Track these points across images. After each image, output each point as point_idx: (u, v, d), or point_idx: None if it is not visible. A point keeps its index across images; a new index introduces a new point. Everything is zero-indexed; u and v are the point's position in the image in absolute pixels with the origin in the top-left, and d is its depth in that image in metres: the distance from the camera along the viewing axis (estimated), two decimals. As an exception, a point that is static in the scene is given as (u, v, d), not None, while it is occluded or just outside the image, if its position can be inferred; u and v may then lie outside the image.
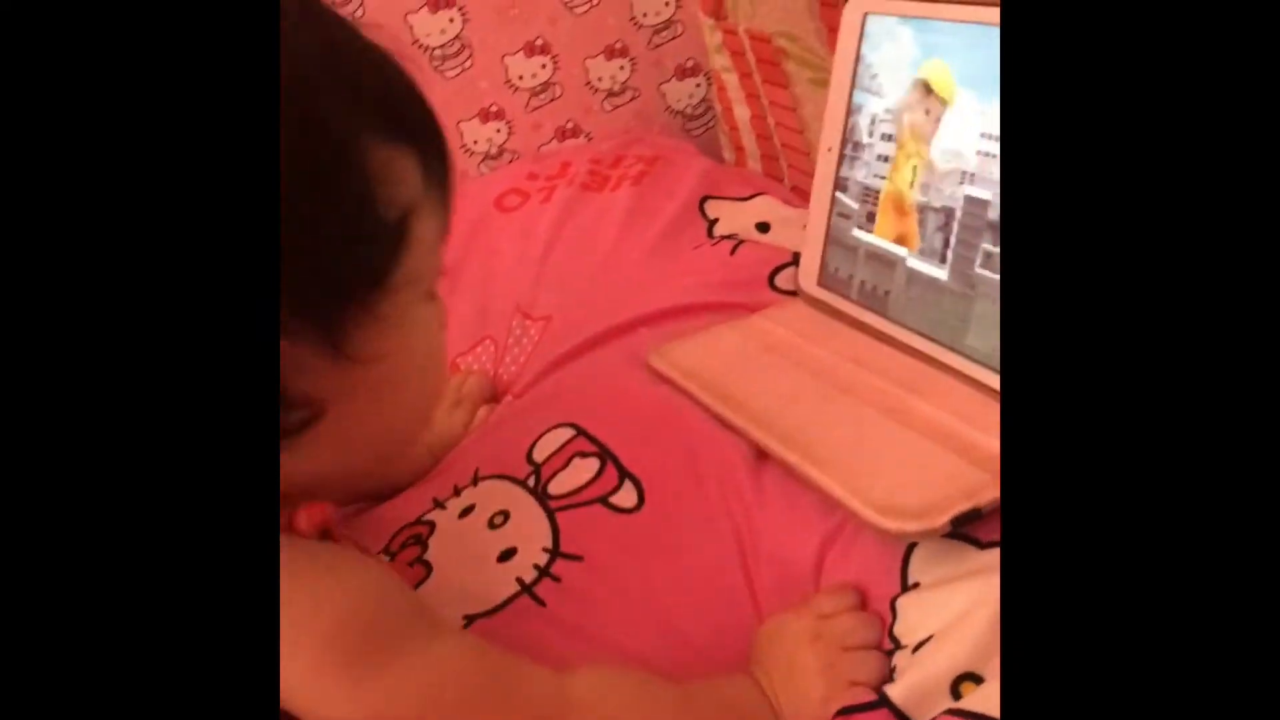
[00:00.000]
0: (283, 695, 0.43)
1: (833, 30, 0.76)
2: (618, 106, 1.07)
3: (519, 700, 0.49)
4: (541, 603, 0.57)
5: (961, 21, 0.62)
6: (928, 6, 0.65)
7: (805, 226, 0.74)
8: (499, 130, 1.04)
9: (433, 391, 0.54)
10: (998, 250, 0.58)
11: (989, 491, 0.51)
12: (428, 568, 0.61)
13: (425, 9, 0.97)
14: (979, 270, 0.60)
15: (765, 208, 0.84)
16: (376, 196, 0.44)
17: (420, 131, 0.47)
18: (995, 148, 0.59)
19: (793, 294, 0.75)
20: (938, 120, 0.63)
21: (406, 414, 0.52)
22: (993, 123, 0.59)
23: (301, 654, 0.44)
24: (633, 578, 0.59)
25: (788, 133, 0.90)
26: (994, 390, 0.58)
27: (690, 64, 1.07)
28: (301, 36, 0.42)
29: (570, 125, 1.07)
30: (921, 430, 0.58)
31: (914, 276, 0.65)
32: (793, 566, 0.57)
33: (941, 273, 0.63)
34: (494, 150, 1.04)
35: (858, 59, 0.70)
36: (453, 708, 0.46)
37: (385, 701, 0.45)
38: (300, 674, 0.44)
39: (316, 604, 0.45)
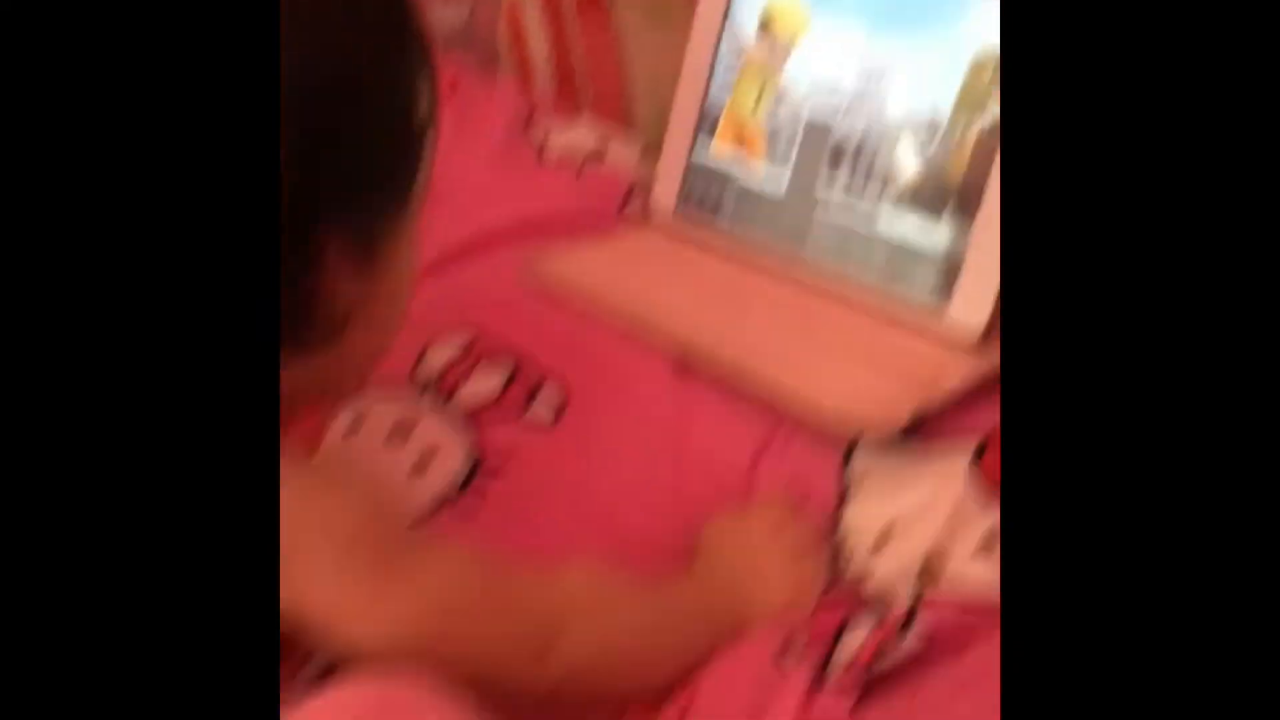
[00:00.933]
0: (306, 610, 0.44)
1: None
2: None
3: (520, 599, 0.49)
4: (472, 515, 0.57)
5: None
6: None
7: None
8: None
9: (407, 309, 0.53)
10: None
11: (931, 391, 0.57)
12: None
13: None
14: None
15: (591, 131, 0.86)
16: (410, 111, 0.46)
17: (431, 55, 0.48)
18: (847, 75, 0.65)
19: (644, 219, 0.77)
20: (785, 51, 0.68)
21: (397, 328, 0.52)
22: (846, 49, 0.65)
23: (322, 569, 0.45)
24: (562, 481, 0.59)
25: (600, 71, 0.91)
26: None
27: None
28: None
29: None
30: (846, 337, 0.62)
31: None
32: (727, 471, 0.60)
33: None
34: None
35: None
36: (462, 610, 0.47)
37: (403, 608, 0.46)
38: (323, 588, 0.45)
39: (329, 519, 0.46)
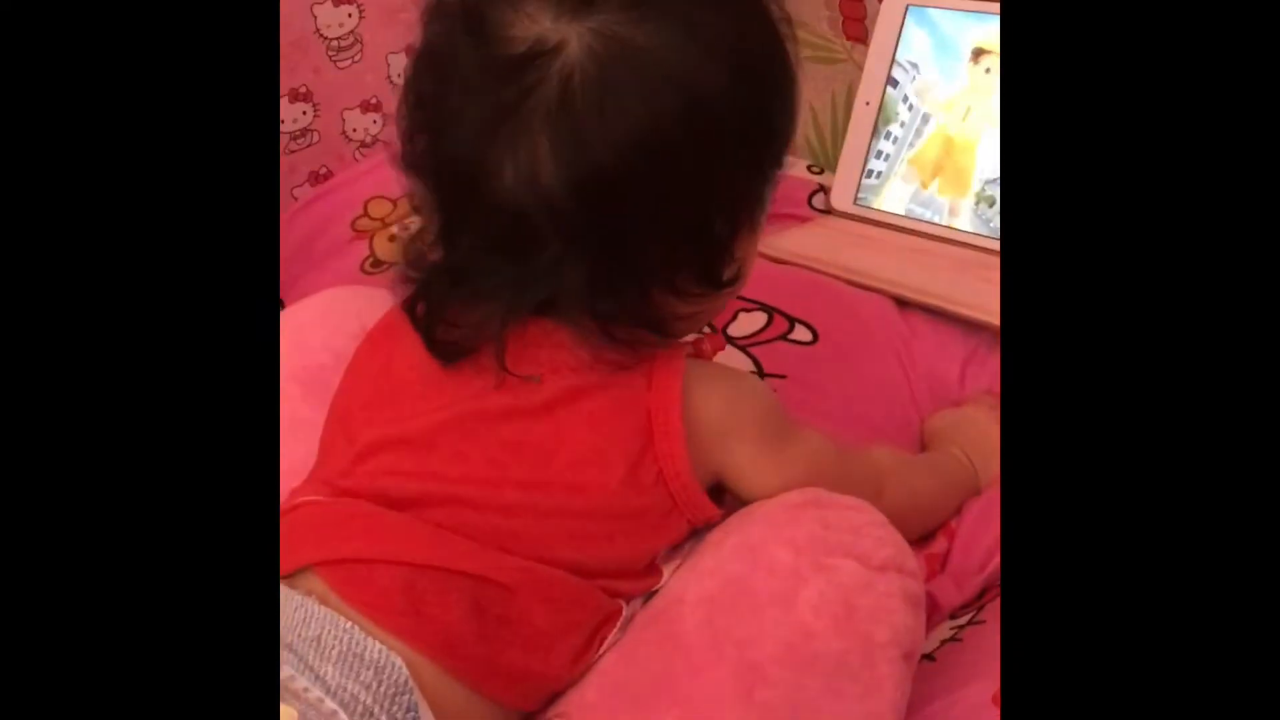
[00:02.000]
0: (729, 466, 0.57)
1: (848, 19, 1.02)
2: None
3: (855, 470, 0.64)
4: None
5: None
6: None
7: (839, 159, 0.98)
8: (375, 121, 1.09)
9: None
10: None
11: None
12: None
13: (329, 1, 1.02)
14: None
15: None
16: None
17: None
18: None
19: (826, 212, 0.98)
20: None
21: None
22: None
23: (747, 440, 0.57)
24: (826, 387, 0.79)
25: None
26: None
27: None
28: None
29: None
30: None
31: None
32: (942, 378, 0.80)
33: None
34: (368, 139, 1.09)
35: (899, 36, 0.95)
36: (822, 475, 0.60)
37: (793, 470, 0.59)
38: (747, 455, 0.58)
39: (741, 403, 0.58)
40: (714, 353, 0.64)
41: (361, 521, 0.52)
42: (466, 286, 0.52)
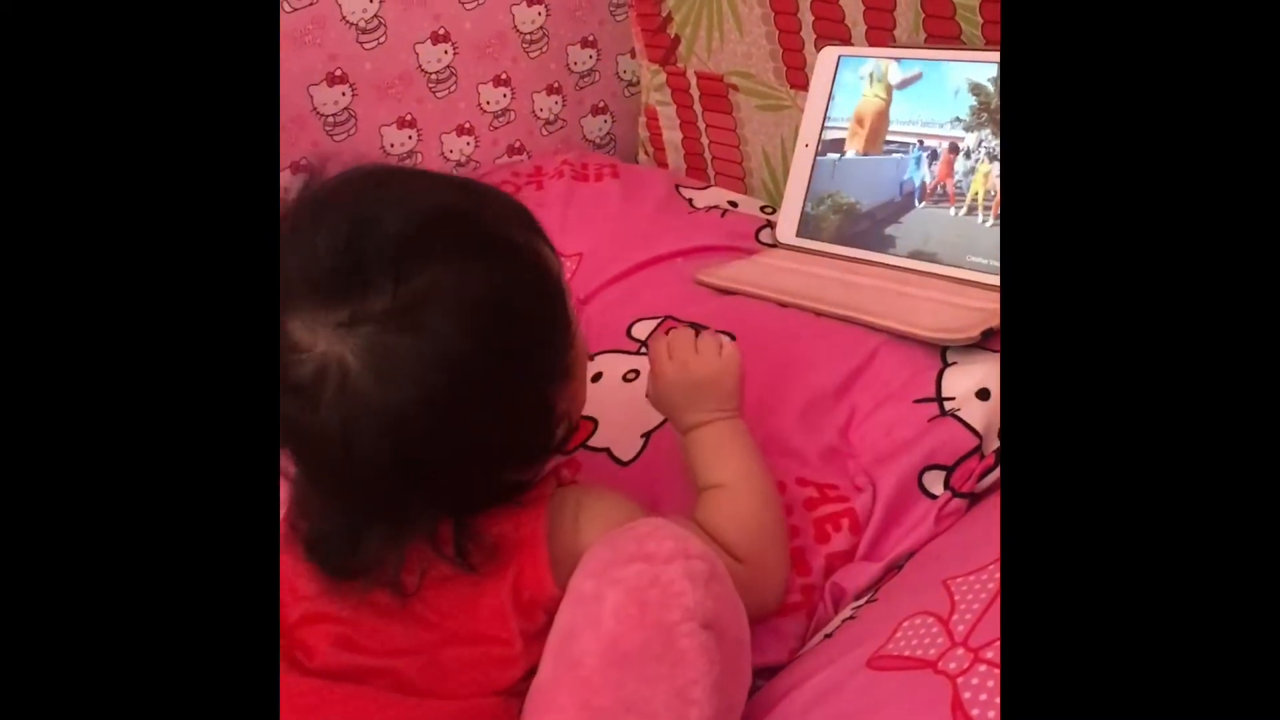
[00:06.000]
0: None
1: (790, 68, 1.10)
2: (551, 133, 1.35)
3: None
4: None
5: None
6: (887, 50, 1.00)
7: (781, 197, 1.05)
8: (468, 143, 1.28)
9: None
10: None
11: (996, 320, 0.84)
12: (594, 421, 0.85)
13: (429, 41, 1.21)
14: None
15: (722, 193, 1.15)
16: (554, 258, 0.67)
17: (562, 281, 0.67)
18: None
19: (772, 246, 1.05)
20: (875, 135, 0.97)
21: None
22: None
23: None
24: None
25: (723, 147, 1.22)
26: (939, 276, 0.91)
27: (601, 104, 1.37)
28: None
29: (518, 144, 1.32)
30: (928, 296, 0.89)
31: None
32: (835, 370, 0.85)
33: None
34: (463, 159, 1.29)
35: (834, 81, 1.03)
36: None
37: None
38: None
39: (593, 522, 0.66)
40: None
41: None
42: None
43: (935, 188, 0.95)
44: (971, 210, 0.92)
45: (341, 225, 0.56)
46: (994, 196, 0.91)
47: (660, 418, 0.82)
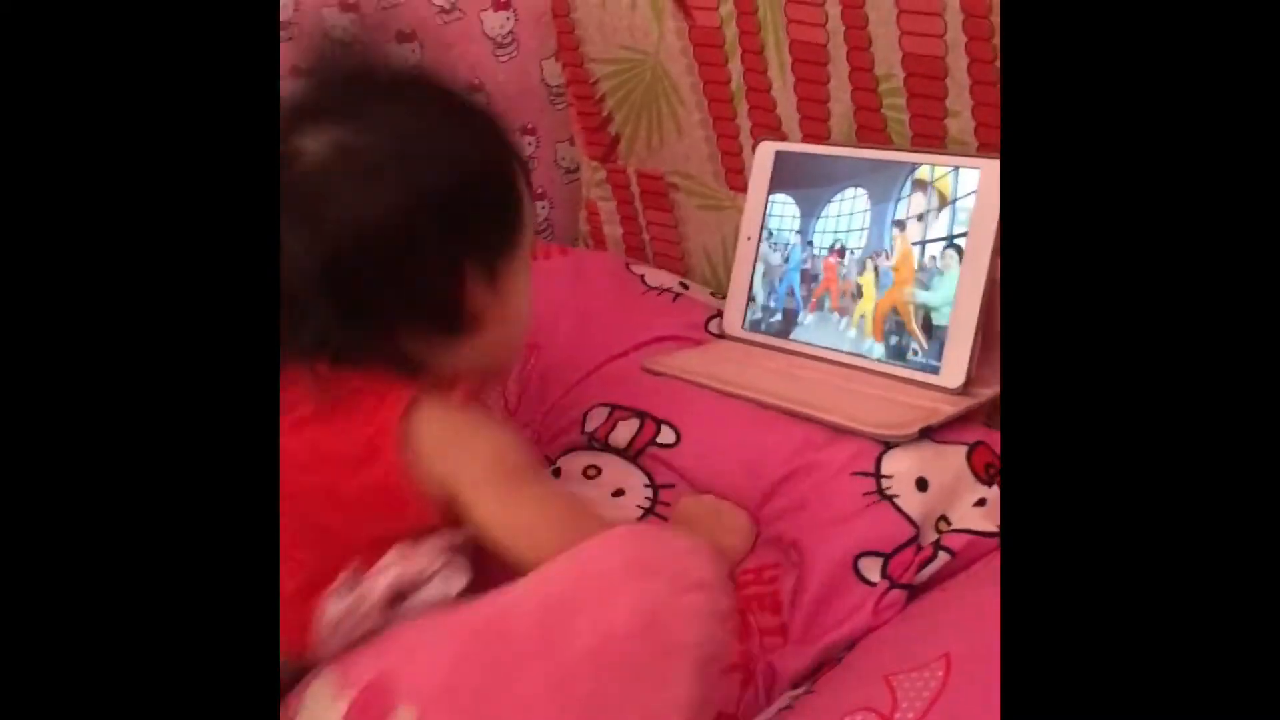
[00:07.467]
0: (458, 508, 0.69)
1: (729, 170, 1.14)
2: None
3: (586, 525, 0.70)
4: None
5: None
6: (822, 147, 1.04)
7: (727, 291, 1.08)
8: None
9: (526, 330, 0.82)
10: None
11: (935, 418, 0.86)
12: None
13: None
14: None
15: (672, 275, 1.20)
16: (515, 184, 0.76)
17: (521, 152, 0.80)
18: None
19: (720, 337, 1.08)
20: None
21: (517, 338, 0.82)
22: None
23: (470, 476, 0.69)
24: (692, 475, 0.90)
25: (664, 243, 1.25)
26: (881, 374, 0.95)
27: (540, 190, 1.40)
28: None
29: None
30: (867, 392, 0.92)
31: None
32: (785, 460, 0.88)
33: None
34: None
35: (771, 180, 1.07)
36: (562, 520, 0.71)
37: (525, 513, 0.70)
38: (470, 489, 0.68)
39: (476, 445, 0.70)
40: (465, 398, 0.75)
41: None
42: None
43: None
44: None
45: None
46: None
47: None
